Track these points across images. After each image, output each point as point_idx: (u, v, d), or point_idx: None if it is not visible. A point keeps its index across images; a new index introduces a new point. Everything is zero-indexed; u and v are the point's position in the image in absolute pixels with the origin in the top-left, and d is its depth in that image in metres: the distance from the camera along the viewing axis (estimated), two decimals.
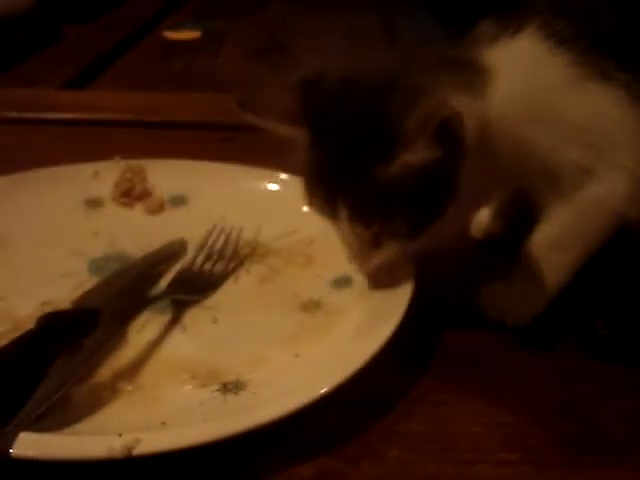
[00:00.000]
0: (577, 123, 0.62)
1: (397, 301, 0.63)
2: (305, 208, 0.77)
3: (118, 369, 0.60)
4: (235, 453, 0.53)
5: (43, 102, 1.18)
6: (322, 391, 0.55)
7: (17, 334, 0.57)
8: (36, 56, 1.55)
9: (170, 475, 0.52)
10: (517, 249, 0.68)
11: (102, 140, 1.03)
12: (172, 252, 0.75)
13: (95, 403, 0.57)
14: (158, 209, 0.82)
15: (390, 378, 0.61)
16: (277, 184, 0.83)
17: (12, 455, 0.48)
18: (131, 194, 0.82)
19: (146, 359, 0.62)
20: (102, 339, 0.61)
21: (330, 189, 0.61)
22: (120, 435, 0.50)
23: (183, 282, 0.71)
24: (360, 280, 0.70)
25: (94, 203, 0.82)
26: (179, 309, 0.68)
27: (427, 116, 0.56)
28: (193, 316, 0.67)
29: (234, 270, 0.74)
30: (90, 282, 0.70)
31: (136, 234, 0.78)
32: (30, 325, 0.58)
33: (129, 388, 0.59)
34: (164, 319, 0.66)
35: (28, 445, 0.49)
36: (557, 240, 0.66)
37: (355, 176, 0.59)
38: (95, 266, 0.74)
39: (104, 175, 0.84)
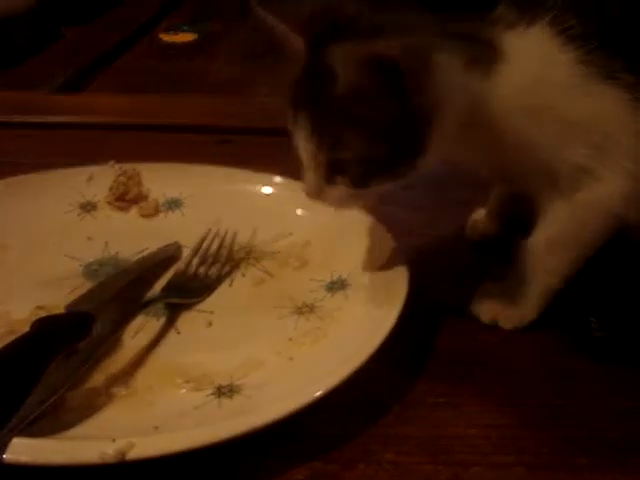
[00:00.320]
0: (580, 122, 0.62)
1: (391, 304, 0.63)
2: (300, 212, 0.78)
3: (112, 373, 0.61)
4: (229, 457, 0.53)
5: (38, 105, 1.17)
6: (316, 394, 0.55)
7: (12, 338, 0.57)
8: (34, 57, 1.55)
9: (165, 479, 0.52)
10: (512, 251, 0.68)
11: (98, 143, 1.02)
12: (167, 256, 0.75)
13: (89, 407, 0.57)
14: (153, 213, 0.82)
15: (385, 381, 0.61)
16: (272, 187, 0.83)
17: (5, 460, 0.48)
18: (126, 198, 0.82)
19: (140, 363, 0.62)
20: (96, 343, 0.61)
21: (298, 105, 0.61)
22: (114, 440, 0.50)
23: (178, 286, 0.71)
24: (355, 284, 0.70)
25: (89, 207, 0.82)
26: (174, 313, 0.68)
27: (371, 48, 0.56)
28: (188, 320, 0.67)
29: (229, 273, 0.74)
30: (85, 286, 0.70)
31: (131, 238, 0.78)
32: (25, 329, 0.58)
33: (123, 392, 0.59)
34: (159, 323, 0.67)
35: (21, 450, 0.49)
36: (554, 242, 0.65)
37: (317, 94, 0.60)
38: (90, 270, 0.74)
39: (99, 179, 0.84)
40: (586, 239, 0.65)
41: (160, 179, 0.84)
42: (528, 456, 0.56)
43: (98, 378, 0.60)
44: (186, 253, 0.76)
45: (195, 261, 0.74)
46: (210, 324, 0.67)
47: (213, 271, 0.73)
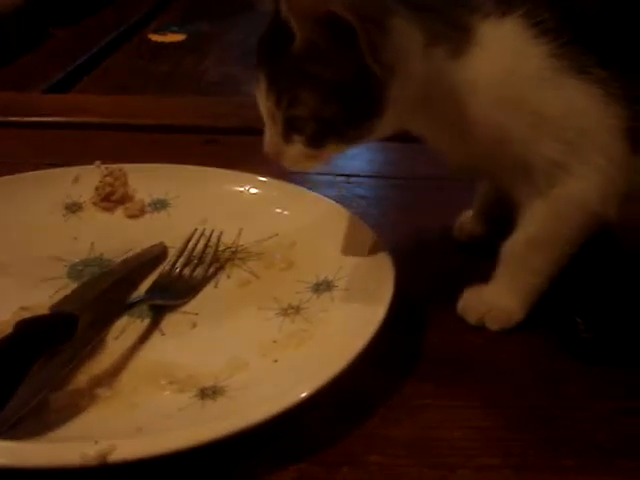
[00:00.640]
0: (550, 116, 0.62)
1: (377, 305, 0.63)
2: (286, 212, 0.78)
3: (96, 375, 0.60)
4: (213, 459, 0.53)
5: (25, 105, 1.17)
6: (301, 396, 0.54)
7: None
8: (22, 58, 1.54)
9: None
10: (499, 252, 0.68)
11: (85, 144, 1.02)
12: (152, 257, 0.75)
13: (73, 409, 0.56)
14: (139, 213, 0.82)
15: (370, 382, 0.61)
16: (258, 188, 0.82)
17: None
18: (112, 198, 0.82)
19: (124, 365, 0.61)
20: (80, 345, 0.61)
21: (260, 62, 0.63)
22: (96, 442, 0.49)
23: (162, 287, 0.70)
24: (341, 285, 0.69)
25: (74, 207, 0.82)
26: (158, 314, 0.67)
27: (324, 4, 0.56)
28: (172, 321, 0.67)
29: (214, 274, 0.74)
30: (70, 287, 0.70)
31: (116, 239, 0.77)
32: (8, 330, 0.58)
33: (107, 394, 0.58)
34: (143, 324, 0.66)
35: (1, 452, 0.49)
36: (534, 240, 0.66)
37: (276, 51, 0.61)
38: (74, 271, 0.73)
39: (85, 180, 0.83)
40: (566, 236, 0.65)
41: (146, 179, 0.84)
42: (515, 458, 0.55)
43: (82, 379, 0.59)
44: (171, 254, 0.75)
45: (180, 262, 0.74)
46: (195, 325, 0.67)
47: (198, 272, 0.73)
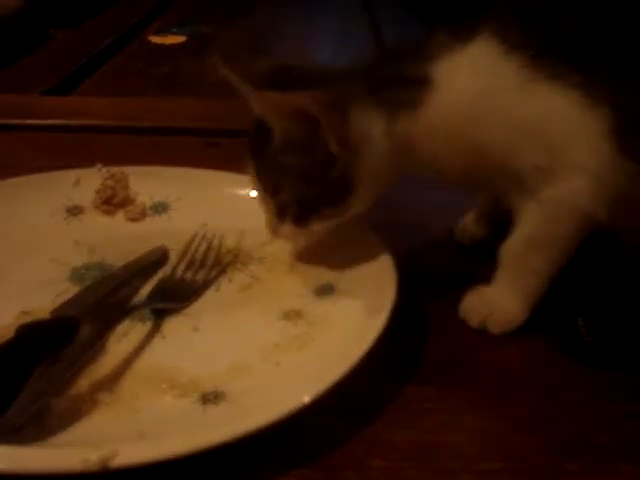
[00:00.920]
0: (527, 124, 0.63)
1: (379, 309, 0.63)
2: None
3: (97, 380, 0.60)
4: (215, 464, 0.53)
5: (26, 108, 1.17)
6: (303, 401, 0.54)
7: None
8: (22, 60, 1.54)
9: None
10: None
11: (86, 146, 1.02)
12: (153, 260, 0.74)
13: (74, 414, 0.56)
14: (140, 217, 0.82)
15: (373, 387, 0.61)
16: None
17: None
18: (113, 202, 0.82)
19: (126, 369, 0.61)
20: (81, 349, 0.60)
21: (250, 155, 0.69)
22: (97, 447, 0.49)
23: (164, 291, 0.70)
24: (343, 288, 0.69)
25: (75, 211, 0.82)
26: (159, 318, 0.67)
27: (290, 100, 0.62)
28: (174, 325, 0.67)
29: (215, 278, 0.73)
30: (71, 291, 0.70)
31: (117, 242, 0.77)
32: (10, 334, 0.57)
33: (108, 399, 0.58)
34: (144, 328, 0.66)
35: (2, 458, 0.49)
36: (530, 242, 0.66)
37: (259, 145, 0.67)
38: (76, 275, 0.73)
39: (86, 183, 0.83)
40: (561, 236, 0.65)
41: (147, 182, 0.84)
42: (516, 462, 0.55)
43: (83, 384, 0.59)
44: (173, 258, 0.75)
45: (182, 266, 0.73)
46: (196, 329, 0.66)
47: (200, 276, 0.73)
